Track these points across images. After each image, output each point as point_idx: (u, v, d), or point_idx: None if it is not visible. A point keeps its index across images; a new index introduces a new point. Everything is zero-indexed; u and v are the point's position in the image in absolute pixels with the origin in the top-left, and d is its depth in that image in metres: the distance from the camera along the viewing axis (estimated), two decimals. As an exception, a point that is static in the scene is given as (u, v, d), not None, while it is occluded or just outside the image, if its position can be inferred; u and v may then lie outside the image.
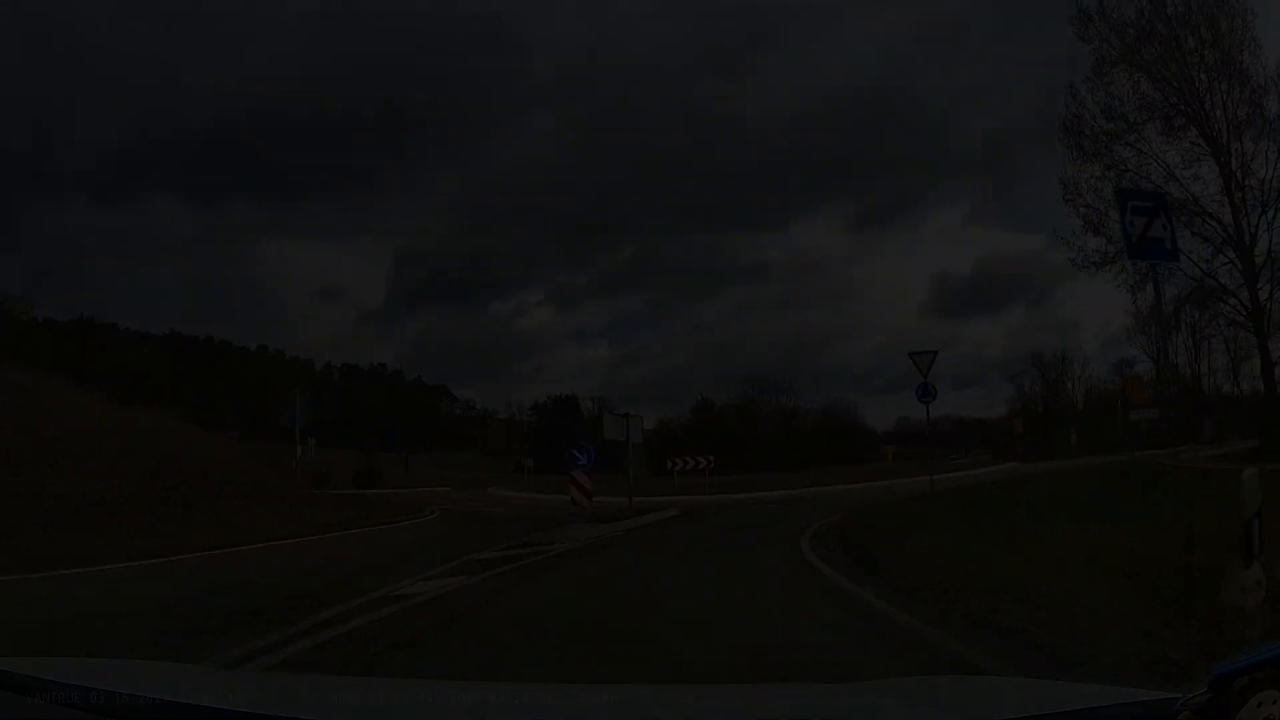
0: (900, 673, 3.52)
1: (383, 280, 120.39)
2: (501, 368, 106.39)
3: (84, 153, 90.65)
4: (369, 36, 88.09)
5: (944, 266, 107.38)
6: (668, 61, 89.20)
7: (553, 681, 3.67)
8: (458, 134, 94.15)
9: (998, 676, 3.16)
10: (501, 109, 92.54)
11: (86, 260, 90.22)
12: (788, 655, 4.64)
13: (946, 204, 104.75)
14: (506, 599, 6.96)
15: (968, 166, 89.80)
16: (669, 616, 5.91)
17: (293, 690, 2.09)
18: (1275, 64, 18.49)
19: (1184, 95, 18.22)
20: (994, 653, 4.16)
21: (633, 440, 19.29)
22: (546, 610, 6.54)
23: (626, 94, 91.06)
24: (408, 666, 4.50)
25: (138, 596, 7.17)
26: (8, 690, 1.53)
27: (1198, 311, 21.03)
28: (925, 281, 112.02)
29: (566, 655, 4.63)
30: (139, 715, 1.47)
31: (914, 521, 10.99)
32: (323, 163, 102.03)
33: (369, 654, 4.66)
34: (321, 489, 29.50)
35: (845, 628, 5.49)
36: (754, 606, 6.43)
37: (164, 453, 14.64)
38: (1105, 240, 19.22)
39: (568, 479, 16.90)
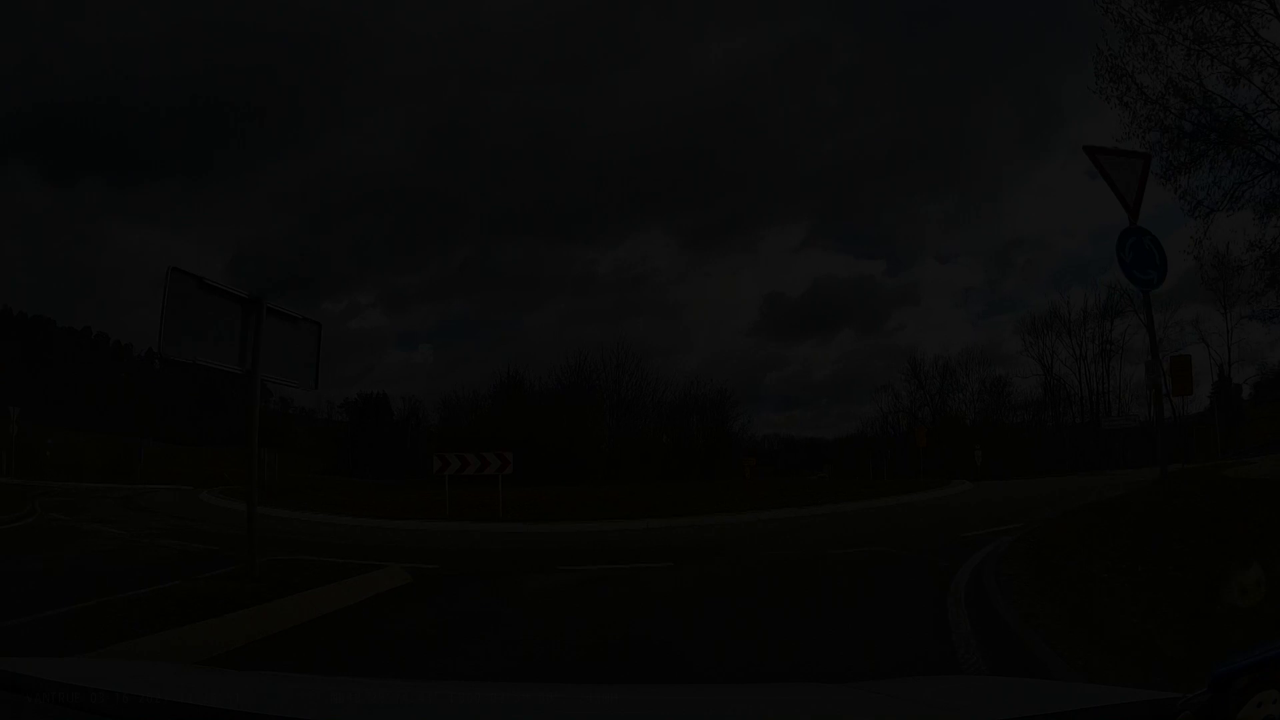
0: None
1: (220, 271, 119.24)
2: (331, 368, 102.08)
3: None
4: (218, 23, 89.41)
5: (778, 287, 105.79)
6: (515, 67, 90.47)
7: (554, 681, 3.68)
8: (301, 129, 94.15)
9: (998, 677, 3.15)
10: (347, 106, 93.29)
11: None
12: None
13: (786, 225, 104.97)
14: None
15: (810, 189, 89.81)
16: None
17: (293, 690, 2.09)
18: None
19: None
20: None
21: (281, 381, 7.75)
22: None
23: (471, 97, 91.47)
24: None
25: None
26: (8, 690, 1.53)
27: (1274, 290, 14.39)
28: (757, 301, 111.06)
29: None
30: (139, 715, 1.47)
31: None
32: (166, 148, 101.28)
33: None
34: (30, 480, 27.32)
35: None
36: None
37: None
38: (1198, 117, 11.79)
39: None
